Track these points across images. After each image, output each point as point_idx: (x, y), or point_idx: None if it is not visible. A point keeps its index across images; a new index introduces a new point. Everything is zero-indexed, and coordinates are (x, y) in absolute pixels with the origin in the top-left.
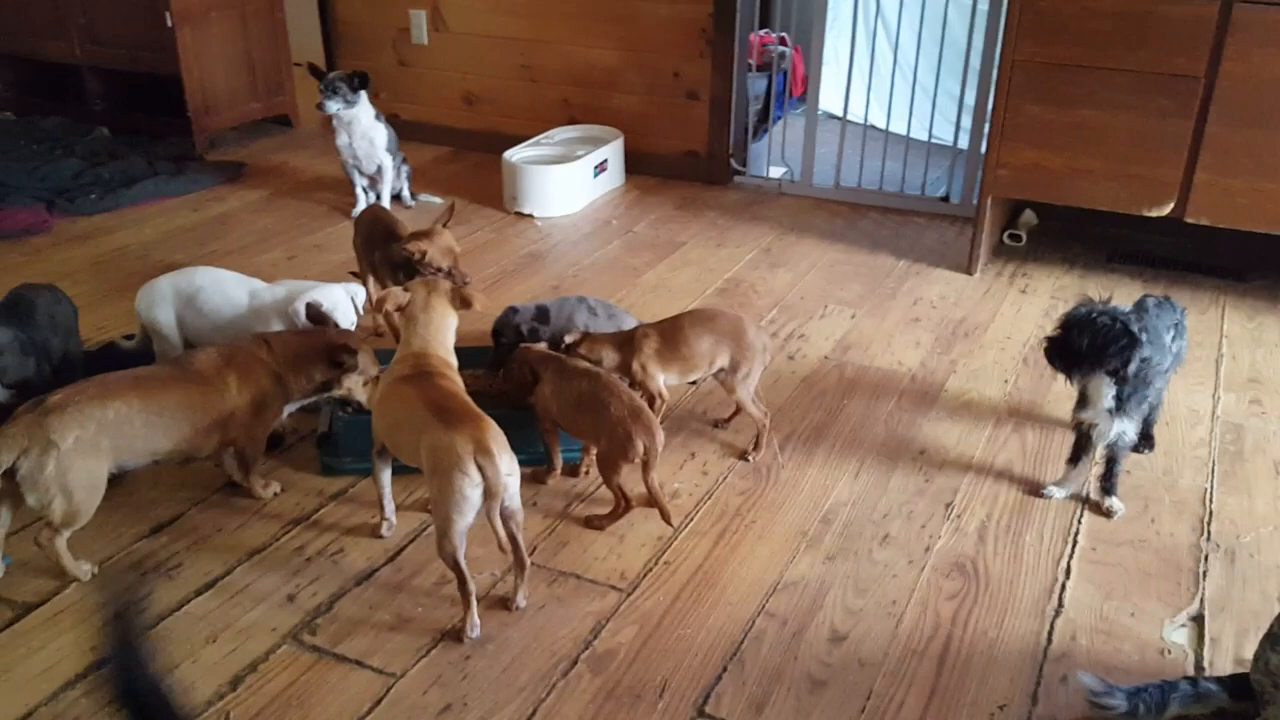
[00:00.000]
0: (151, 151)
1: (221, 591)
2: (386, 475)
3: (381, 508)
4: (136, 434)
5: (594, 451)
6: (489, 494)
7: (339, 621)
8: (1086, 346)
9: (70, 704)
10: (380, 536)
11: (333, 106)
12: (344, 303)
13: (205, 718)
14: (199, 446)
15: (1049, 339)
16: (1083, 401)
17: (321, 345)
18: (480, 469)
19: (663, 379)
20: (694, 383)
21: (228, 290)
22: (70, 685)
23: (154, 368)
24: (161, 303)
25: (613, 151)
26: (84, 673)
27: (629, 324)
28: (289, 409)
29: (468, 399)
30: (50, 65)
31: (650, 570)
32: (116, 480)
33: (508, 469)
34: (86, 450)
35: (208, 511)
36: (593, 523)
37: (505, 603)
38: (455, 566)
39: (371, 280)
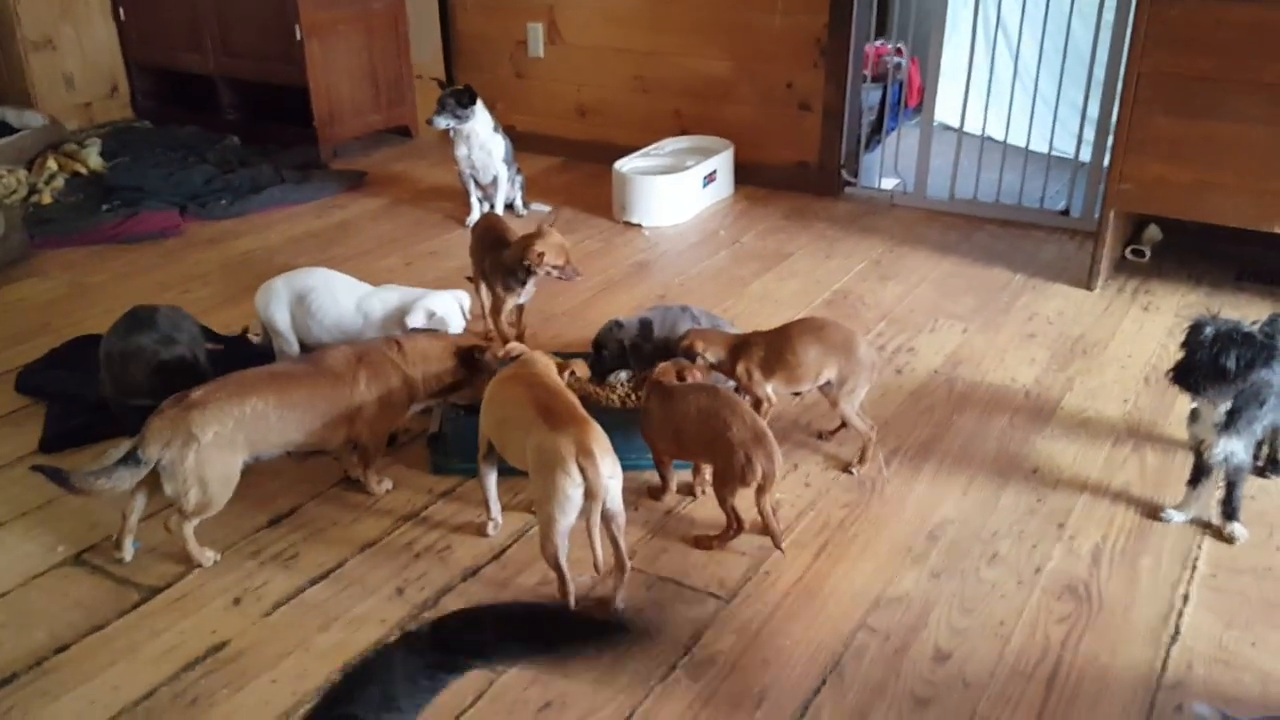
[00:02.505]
0: (279, 160)
1: (335, 582)
2: (492, 479)
3: (487, 508)
4: (271, 427)
5: (707, 471)
6: (590, 495)
7: None
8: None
9: (190, 684)
10: (486, 535)
11: (441, 123)
12: (454, 310)
13: (316, 705)
14: (327, 440)
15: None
16: (1194, 416)
17: (452, 347)
18: (582, 470)
19: (769, 387)
20: (798, 394)
21: (337, 293)
22: (190, 667)
23: (289, 364)
24: (277, 301)
25: (722, 162)
26: (204, 655)
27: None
28: (414, 409)
29: (573, 400)
30: (186, 76)
31: (750, 579)
32: (245, 471)
33: (610, 471)
34: (224, 445)
35: (324, 505)
36: (702, 543)
37: (604, 604)
38: (557, 566)
39: (484, 285)
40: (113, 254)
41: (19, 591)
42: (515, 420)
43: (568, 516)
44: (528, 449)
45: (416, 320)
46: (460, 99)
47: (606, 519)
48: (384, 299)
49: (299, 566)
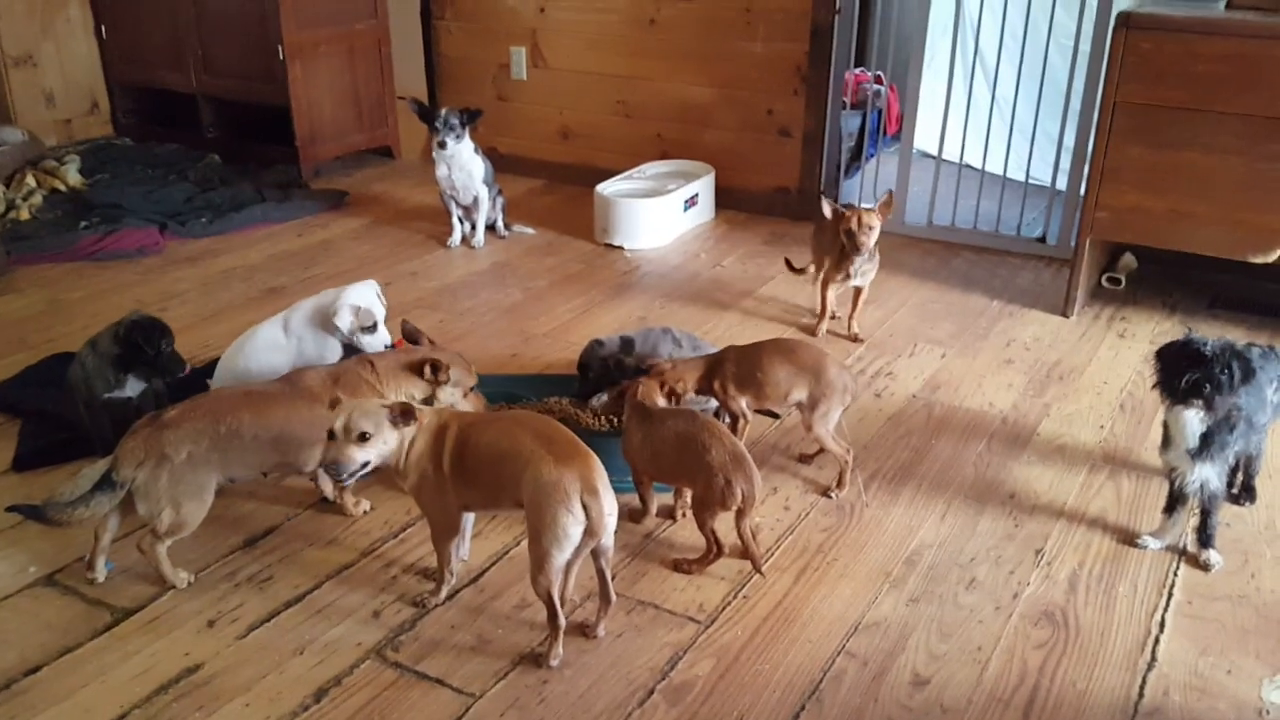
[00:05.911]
0: (260, 178)
1: (310, 605)
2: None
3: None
4: (245, 448)
5: (687, 494)
6: (590, 533)
7: (421, 640)
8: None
9: (163, 707)
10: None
11: (452, 142)
12: (373, 299)
13: None
14: (304, 461)
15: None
16: (1166, 443)
17: (415, 364)
18: (586, 508)
19: (744, 401)
20: (777, 416)
21: (257, 331)
22: (164, 689)
23: (264, 384)
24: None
25: (703, 186)
26: (177, 678)
27: None
28: None
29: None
30: (168, 94)
31: (729, 604)
32: (219, 492)
33: (610, 509)
34: (198, 465)
35: (300, 527)
36: (681, 567)
37: (583, 629)
38: (549, 600)
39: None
40: (91, 271)
41: None
42: (511, 454)
43: (564, 553)
44: (524, 481)
45: (344, 320)
46: (463, 117)
47: (596, 553)
48: (301, 307)
49: (274, 589)
